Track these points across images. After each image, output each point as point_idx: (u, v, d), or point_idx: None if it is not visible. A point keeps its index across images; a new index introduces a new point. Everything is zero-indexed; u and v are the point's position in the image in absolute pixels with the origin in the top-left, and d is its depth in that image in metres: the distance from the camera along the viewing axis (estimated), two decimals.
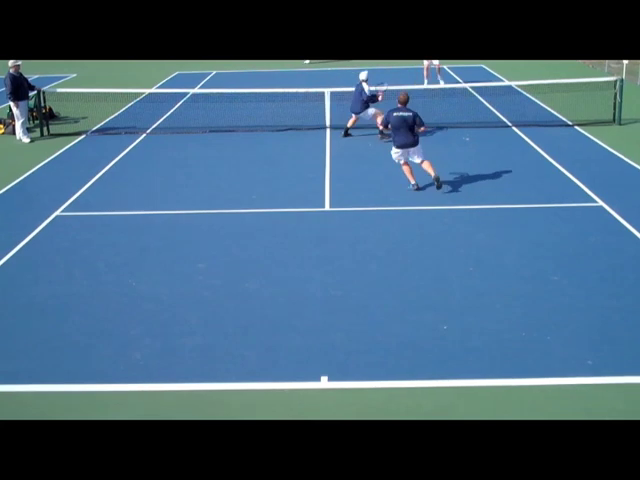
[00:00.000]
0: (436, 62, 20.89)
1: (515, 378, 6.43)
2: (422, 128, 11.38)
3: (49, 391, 6.42)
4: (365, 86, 14.72)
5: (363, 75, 14.87)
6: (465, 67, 24.44)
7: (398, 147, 11.47)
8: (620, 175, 12.32)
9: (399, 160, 11.61)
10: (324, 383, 6.43)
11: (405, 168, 11.61)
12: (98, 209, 11.15)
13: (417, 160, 11.51)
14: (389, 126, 11.57)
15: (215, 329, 7.43)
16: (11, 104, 15.59)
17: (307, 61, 26.69)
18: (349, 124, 15.15)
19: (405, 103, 11.46)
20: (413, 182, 11.59)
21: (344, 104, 16.10)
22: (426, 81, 20.42)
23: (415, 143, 11.39)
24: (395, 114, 11.37)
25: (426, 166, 11.47)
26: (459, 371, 6.55)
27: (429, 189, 11.72)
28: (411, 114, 11.30)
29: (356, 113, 14.98)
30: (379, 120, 12.91)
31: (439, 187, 11.37)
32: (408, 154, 11.50)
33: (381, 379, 6.46)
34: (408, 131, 11.31)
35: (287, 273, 8.70)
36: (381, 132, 14.42)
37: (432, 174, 11.39)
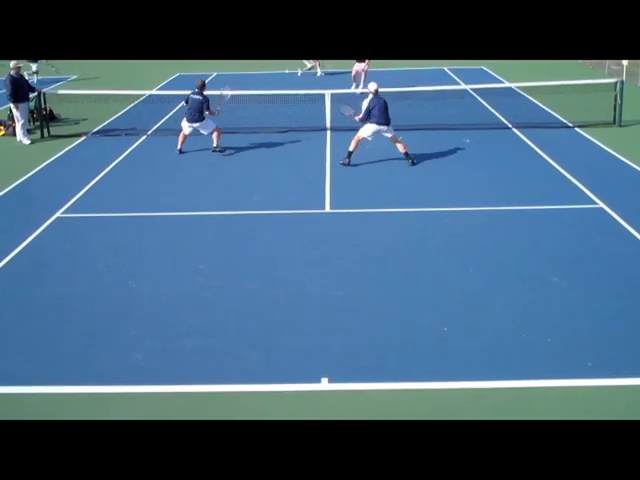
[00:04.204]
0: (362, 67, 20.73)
1: (515, 380, 6.42)
2: (209, 112, 14.04)
3: (49, 392, 6.40)
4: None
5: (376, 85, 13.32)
6: (465, 69, 24.46)
7: (187, 120, 14.23)
8: (620, 177, 12.31)
9: (185, 129, 14.36)
10: (324, 384, 6.42)
11: (182, 135, 14.43)
12: (99, 210, 11.15)
13: (205, 132, 14.31)
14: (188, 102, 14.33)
15: (215, 330, 7.42)
16: (11, 106, 15.59)
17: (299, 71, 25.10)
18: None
19: (200, 88, 14.14)
20: (179, 147, 14.42)
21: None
22: (354, 85, 20.68)
23: (200, 120, 14.11)
24: (191, 95, 14.20)
25: (214, 136, 14.32)
26: (459, 372, 6.54)
27: (429, 191, 11.74)
28: (201, 98, 14.02)
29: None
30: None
31: (215, 150, 14.33)
32: (194, 127, 14.23)
33: (381, 380, 6.46)
34: (196, 110, 14.01)
35: (287, 274, 8.70)
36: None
37: (214, 143, 14.33)
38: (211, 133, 14.34)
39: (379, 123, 12.97)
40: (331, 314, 7.70)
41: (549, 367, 6.60)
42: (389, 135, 13.25)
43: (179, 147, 14.44)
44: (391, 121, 13.03)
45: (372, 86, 13.17)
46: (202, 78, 14.61)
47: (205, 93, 14.19)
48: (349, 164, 13.24)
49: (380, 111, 12.91)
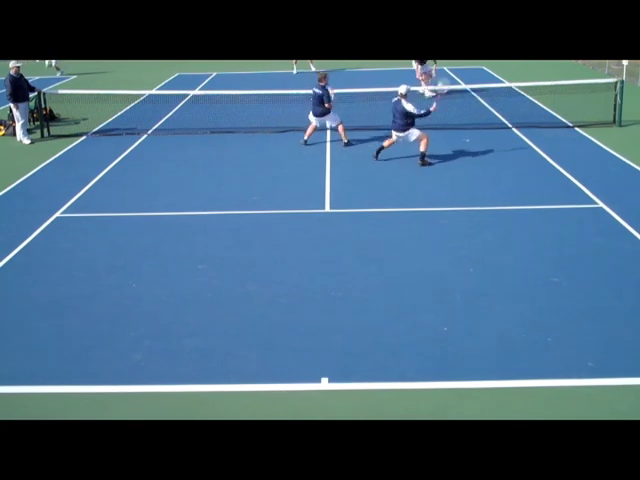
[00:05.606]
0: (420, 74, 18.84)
1: (515, 380, 6.42)
2: (327, 105, 14.16)
3: (49, 392, 6.41)
4: (407, 105, 12.87)
5: (403, 89, 12.97)
6: (465, 69, 24.44)
7: (312, 114, 14.52)
8: (620, 176, 12.31)
9: (312, 121, 14.61)
10: (324, 384, 6.43)
11: (311, 128, 14.67)
12: (98, 210, 11.15)
13: (331, 124, 14.65)
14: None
15: (215, 330, 7.42)
16: (11, 106, 15.60)
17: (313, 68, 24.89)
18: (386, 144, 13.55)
19: (320, 81, 14.31)
20: (305, 138, 14.69)
21: (344, 105, 16.11)
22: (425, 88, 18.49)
23: (324, 113, 14.33)
24: (314, 89, 14.39)
25: (340, 129, 14.52)
26: (459, 373, 6.54)
27: (429, 190, 11.74)
28: (320, 92, 14.18)
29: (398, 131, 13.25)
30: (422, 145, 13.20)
31: (347, 145, 14.55)
32: (321, 120, 14.52)
33: (381, 380, 6.46)
34: (318, 103, 14.22)
35: (287, 274, 8.70)
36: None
37: (343, 139, 14.54)
38: (336, 127, 14.56)
39: (395, 130, 13.11)
40: (331, 314, 7.70)
41: (549, 367, 6.59)
42: (411, 140, 13.12)
43: (305, 138, 14.71)
44: (407, 127, 12.90)
45: (401, 89, 12.96)
46: (323, 72, 14.80)
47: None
48: (377, 158, 13.44)
49: (394, 117, 13.02)
